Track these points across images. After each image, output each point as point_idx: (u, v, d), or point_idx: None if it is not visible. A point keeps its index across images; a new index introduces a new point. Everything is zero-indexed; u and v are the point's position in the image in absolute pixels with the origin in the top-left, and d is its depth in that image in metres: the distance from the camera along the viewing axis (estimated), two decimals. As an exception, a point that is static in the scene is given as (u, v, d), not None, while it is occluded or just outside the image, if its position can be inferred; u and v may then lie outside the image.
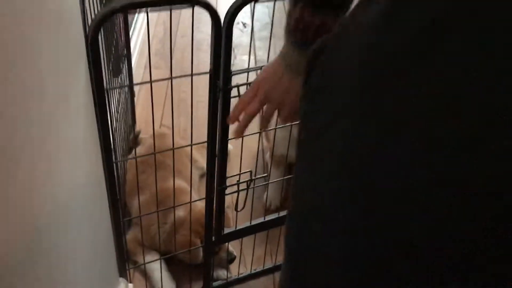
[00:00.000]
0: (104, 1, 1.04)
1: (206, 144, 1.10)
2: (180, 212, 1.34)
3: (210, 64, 0.97)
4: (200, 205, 1.34)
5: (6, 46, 0.48)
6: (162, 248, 1.34)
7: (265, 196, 1.69)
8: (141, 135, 1.85)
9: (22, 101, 0.54)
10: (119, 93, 1.52)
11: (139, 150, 1.69)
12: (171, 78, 0.96)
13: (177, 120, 1.89)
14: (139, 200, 1.20)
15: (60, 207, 0.70)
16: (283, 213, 1.38)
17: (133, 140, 1.81)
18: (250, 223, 1.33)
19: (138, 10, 2.40)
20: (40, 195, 0.61)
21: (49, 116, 0.64)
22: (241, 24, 2.79)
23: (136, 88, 2.09)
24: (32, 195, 0.58)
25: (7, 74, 0.49)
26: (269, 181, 1.54)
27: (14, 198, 0.51)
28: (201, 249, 1.32)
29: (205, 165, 1.19)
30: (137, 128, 1.90)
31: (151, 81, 0.95)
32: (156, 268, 1.34)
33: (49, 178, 0.65)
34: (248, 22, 2.81)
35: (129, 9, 0.82)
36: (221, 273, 1.41)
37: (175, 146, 1.24)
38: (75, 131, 0.79)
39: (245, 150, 1.95)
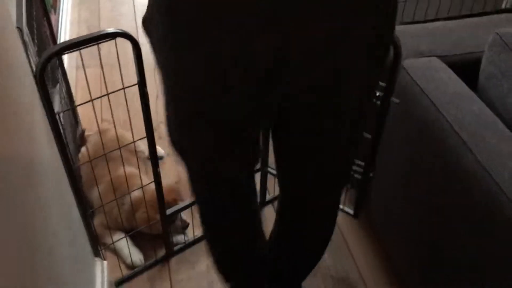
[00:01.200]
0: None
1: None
2: (136, 193, 1.58)
3: (137, 77, 1.20)
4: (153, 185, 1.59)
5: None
6: (126, 226, 1.59)
7: None
8: (86, 132, 2.04)
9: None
10: (61, 101, 1.71)
11: (88, 147, 1.90)
12: (107, 94, 1.19)
13: (115, 112, 2.10)
14: (98, 191, 1.44)
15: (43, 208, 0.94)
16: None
17: (81, 139, 2.00)
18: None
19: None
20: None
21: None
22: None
23: (72, 89, 2.26)
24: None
25: None
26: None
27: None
28: (159, 221, 1.58)
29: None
30: (82, 127, 2.09)
31: (91, 100, 1.17)
32: (124, 245, 1.60)
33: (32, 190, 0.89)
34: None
35: (62, 53, 1.02)
36: (180, 238, 1.68)
37: (119, 138, 1.50)
38: (40, 151, 1.02)
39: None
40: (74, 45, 1.03)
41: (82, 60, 1.09)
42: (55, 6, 2.52)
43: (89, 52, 2.74)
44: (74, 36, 2.73)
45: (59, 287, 1.00)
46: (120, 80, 1.20)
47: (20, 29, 0.96)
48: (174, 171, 1.97)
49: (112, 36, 1.06)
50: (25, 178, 0.90)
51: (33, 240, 0.90)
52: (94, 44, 1.05)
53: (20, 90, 0.94)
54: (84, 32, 2.77)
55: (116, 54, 1.17)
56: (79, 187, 1.26)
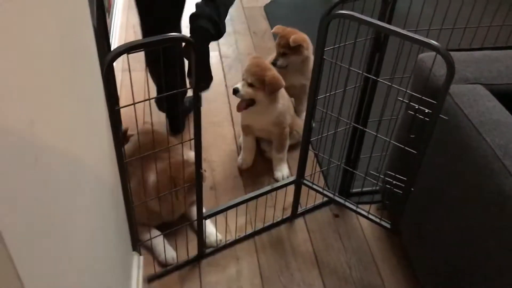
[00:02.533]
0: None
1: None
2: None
3: (192, 80, 1.26)
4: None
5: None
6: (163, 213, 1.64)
7: (239, 158, 2.04)
8: (129, 132, 2.12)
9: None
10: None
11: (127, 146, 1.97)
12: (149, 99, 1.25)
13: (156, 116, 2.17)
14: (143, 185, 1.50)
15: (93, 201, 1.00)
16: (259, 191, 1.72)
17: (123, 137, 2.08)
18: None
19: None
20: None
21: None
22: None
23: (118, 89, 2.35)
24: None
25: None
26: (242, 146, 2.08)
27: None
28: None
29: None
30: (124, 126, 2.17)
31: (134, 103, 1.23)
32: (159, 242, 1.65)
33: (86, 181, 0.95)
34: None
35: (130, 51, 1.09)
36: (212, 241, 1.73)
37: (162, 139, 1.56)
38: (99, 141, 1.09)
39: (220, 139, 2.28)
40: (141, 45, 1.10)
41: (130, 69, 1.15)
42: (109, 10, 2.64)
43: (136, 56, 2.85)
44: (122, 40, 2.84)
45: (103, 272, 1.05)
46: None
47: (95, 28, 1.03)
48: (209, 176, 2.03)
49: (176, 40, 1.12)
50: (92, 168, 0.97)
51: (91, 224, 0.96)
52: (158, 46, 1.12)
53: (91, 84, 1.01)
54: (131, 36, 2.88)
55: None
56: (128, 181, 1.32)
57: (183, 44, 1.45)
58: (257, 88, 1.86)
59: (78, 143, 0.85)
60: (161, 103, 2.18)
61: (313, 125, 1.59)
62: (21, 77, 0.57)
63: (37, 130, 0.61)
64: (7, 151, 0.52)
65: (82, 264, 0.86)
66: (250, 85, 1.87)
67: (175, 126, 2.21)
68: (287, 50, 2.12)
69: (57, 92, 0.74)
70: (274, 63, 2.13)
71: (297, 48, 2.11)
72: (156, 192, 1.57)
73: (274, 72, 1.89)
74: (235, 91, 1.88)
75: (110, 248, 1.16)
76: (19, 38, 0.57)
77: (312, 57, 2.20)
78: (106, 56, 1.07)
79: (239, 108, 1.93)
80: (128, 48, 1.09)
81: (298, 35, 2.11)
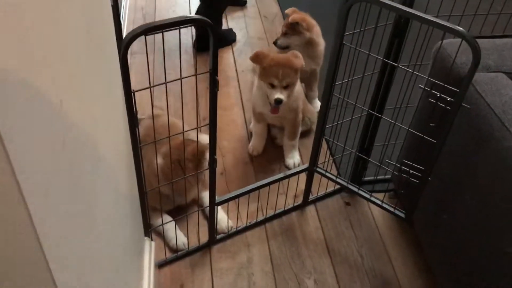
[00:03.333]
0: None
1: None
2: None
3: (210, 63, 1.24)
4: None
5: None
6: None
7: (250, 144, 2.02)
8: (139, 116, 2.09)
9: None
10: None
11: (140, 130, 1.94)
12: (165, 82, 1.23)
13: (171, 100, 2.14)
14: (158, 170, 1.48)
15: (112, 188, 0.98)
16: (271, 178, 1.69)
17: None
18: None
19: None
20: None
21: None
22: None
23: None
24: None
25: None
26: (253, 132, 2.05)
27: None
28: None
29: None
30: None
31: (150, 86, 1.21)
32: (171, 227, 1.64)
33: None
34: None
35: (147, 33, 1.06)
36: (224, 227, 1.71)
37: (171, 124, 1.53)
38: (118, 120, 1.06)
39: (231, 124, 2.26)
40: (159, 27, 1.07)
41: (163, 44, 1.12)
42: (118, -9, 2.60)
43: (141, 40, 2.83)
44: (131, 22, 2.80)
45: (119, 256, 1.04)
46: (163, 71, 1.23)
47: (114, 7, 1.00)
48: (220, 162, 2.01)
49: (194, 22, 1.09)
50: (112, 149, 0.94)
51: (108, 205, 0.94)
52: (176, 28, 1.09)
53: (111, 67, 0.99)
54: (139, 19, 2.84)
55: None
56: (142, 166, 1.30)
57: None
58: (293, 82, 1.81)
59: (100, 126, 0.83)
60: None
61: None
62: (52, 62, 0.55)
63: (66, 110, 0.58)
64: (41, 130, 0.50)
65: (101, 244, 0.84)
66: (286, 87, 1.80)
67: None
68: (288, 30, 2.12)
69: (83, 75, 0.71)
70: (274, 42, 2.13)
71: (296, 28, 2.09)
72: (165, 176, 1.56)
73: (296, 56, 1.84)
74: (279, 102, 1.79)
75: (126, 232, 1.15)
76: (51, 29, 0.54)
77: (321, 41, 2.18)
78: (123, 39, 1.04)
79: (274, 111, 1.86)
80: (145, 30, 1.05)
81: (299, 15, 2.09)
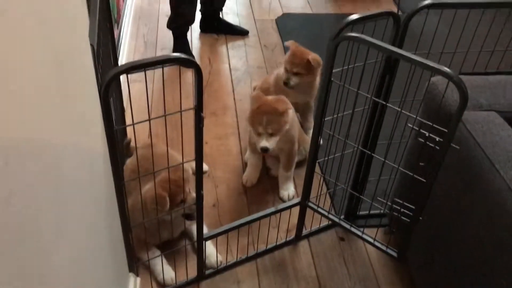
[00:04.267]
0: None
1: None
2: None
3: (194, 100, 1.22)
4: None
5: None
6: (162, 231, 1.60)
7: (244, 175, 1.99)
8: (132, 144, 2.08)
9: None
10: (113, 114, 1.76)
11: (131, 160, 1.93)
12: (165, 115, 1.22)
13: (163, 130, 2.14)
14: (142, 204, 1.46)
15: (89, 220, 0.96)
16: (262, 212, 1.67)
17: (126, 148, 2.05)
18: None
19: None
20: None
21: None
22: (215, 35, 3.01)
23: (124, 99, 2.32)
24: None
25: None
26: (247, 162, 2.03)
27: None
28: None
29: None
30: (128, 137, 2.14)
31: (149, 119, 1.20)
32: (158, 262, 1.61)
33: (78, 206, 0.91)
34: (221, 31, 3.04)
35: (129, 72, 1.05)
36: (212, 262, 1.68)
37: (162, 155, 1.52)
38: (95, 160, 1.05)
39: (226, 154, 2.23)
40: (141, 65, 1.06)
41: (146, 82, 1.12)
42: (118, 21, 2.62)
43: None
44: (132, 49, 2.82)
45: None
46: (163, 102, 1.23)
47: (93, 47, 1.00)
48: (213, 193, 1.99)
49: (177, 61, 1.08)
50: (84, 184, 0.93)
51: (82, 244, 0.92)
52: (160, 67, 1.08)
53: (86, 104, 0.98)
54: (141, 46, 2.86)
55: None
56: (125, 202, 1.29)
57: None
58: (279, 128, 1.78)
59: (68, 164, 0.82)
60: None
61: (321, 142, 1.54)
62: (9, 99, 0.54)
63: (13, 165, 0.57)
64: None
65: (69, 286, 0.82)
66: (272, 134, 1.77)
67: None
68: (302, 69, 2.04)
69: (48, 115, 0.70)
70: (286, 83, 2.07)
71: (312, 69, 2.05)
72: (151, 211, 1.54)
73: (280, 101, 1.81)
74: (265, 150, 1.77)
75: (102, 270, 1.12)
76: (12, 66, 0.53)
77: (318, 76, 2.15)
78: (104, 78, 1.04)
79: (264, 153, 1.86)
80: (127, 69, 1.05)
81: (316, 56, 2.04)
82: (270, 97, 1.84)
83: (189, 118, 1.45)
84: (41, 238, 0.67)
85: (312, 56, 2.01)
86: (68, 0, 0.86)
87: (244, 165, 2.11)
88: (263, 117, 1.74)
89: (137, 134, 1.69)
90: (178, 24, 2.72)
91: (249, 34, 3.02)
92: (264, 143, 1.76)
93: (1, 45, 0.53)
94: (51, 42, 0.73)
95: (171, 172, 1.47)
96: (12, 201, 0.56)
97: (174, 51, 2.73)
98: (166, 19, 2.79)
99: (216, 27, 2.97)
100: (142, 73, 2.66)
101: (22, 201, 0.59)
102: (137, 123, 1.14)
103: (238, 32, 2.97)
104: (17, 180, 0.58)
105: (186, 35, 2.79)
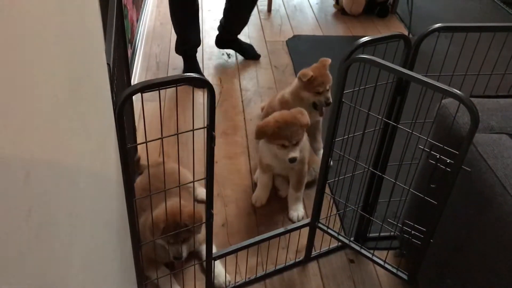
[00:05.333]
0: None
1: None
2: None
3: (207, 120, 1.24)
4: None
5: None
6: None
7: (254, 195, 1.99)
8: (141, 162, 2.10)
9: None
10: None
11: (141, 178, 1.94)
12: (177, 134, 1.23)
13: (173, 149, 2.15)
14: (153, 225, 1.47)
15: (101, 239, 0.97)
16: (272, 232, 1.66)
17: (136, 165, 2.06)
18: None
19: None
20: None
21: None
22: (225, 55, 3.05)
23: (136, 117, 2.35)
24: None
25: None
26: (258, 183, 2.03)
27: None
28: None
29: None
30: (139, 154, 2.15)
31: (162, 137, 1.21)
32: (167, 281, 1.60)
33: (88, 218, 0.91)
34: (232, 52, 3.08)
35: (143, 91, 1.07)
36: (221, 282, 1.67)
37: (173, 173, 1.52)
38: (108, 177, 1.06)
39: (236, 173, 2.24)
40: (155, 85, 1.08)
41: (160, 100, 1.13)
42: (132, 41, 2.67)
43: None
44: (144, 69, 2.86)
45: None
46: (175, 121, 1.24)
47: (109, 66, 1.02)
48: (222, 212, 1.99)
49: (191, 80, 1.10)
50: (96, 202, 0.94)
51: (93, 259, 0.92)
52: (173, 86, 1.10)
53: (102, 122, 0.99)
54: (153, 66, 2.90)
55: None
56: (136, 220, 1.29)
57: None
58: (301, 138, 1.83)
59: (84, 180, 0.83)
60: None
61: (331, 163, 1.55)
62: (26, 116, 0.55)
63: (34, 177, 0.58)
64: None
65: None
66: (295, 144, 1.80)
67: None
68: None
69: (65, 132, 0.71)
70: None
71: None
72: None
73: (301, 113, 1.85)
74: (294, 160, 1.80)
75: (111, 287, 1.12)
76: (27, 81, 0.55)
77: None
78: (118, 97, 1.05)
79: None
80: (141, 88, 1.07)
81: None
82: (291, 110, 1.88)
83: (199, 138, 1.47)
84: (52, 254, 0.68)
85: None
86: (85, 19, 0.89)
87: (254, 185, 2.11)
88: (288, 130, 1.77)
89: (150, 152, 1.70)
90: (185, 48, 2.76)
91: (260, 55, 3.06)
92: (292, 154, 1.79)
93: (22, 64, 0.55)
94: (69, 60, 0.75)
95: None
96: (32, 216, 0.57)
97: (184, 71, 2.76)
98: (179, 40, 2.84)
99: (231, 46, 3.00)
100: (153, 92, 2.69)
101: (39, 217, 0.60)
102: (150, 141, 1.15)
103: (251, 57, 3.00)
104: (36, 195, 0.59)
105: (195, 57, 2.83)
